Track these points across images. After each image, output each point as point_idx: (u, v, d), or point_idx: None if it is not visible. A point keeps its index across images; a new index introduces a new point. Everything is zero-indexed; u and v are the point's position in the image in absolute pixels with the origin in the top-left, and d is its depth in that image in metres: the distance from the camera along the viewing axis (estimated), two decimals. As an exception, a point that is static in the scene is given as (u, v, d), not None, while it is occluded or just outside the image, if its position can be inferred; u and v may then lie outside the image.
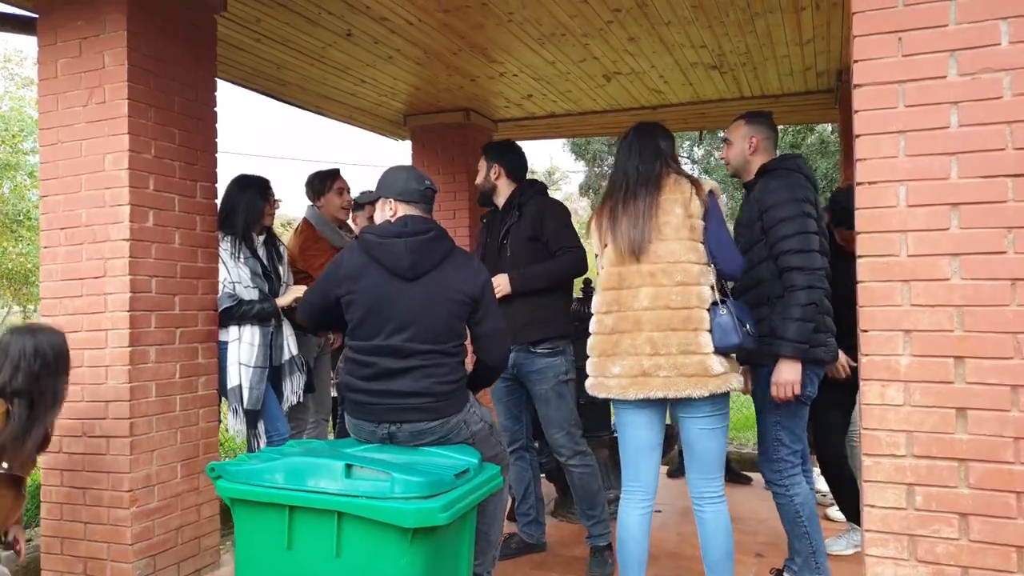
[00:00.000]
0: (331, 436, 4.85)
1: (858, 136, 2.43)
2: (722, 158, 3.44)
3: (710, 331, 2.81)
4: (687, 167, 20.28)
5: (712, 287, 2.86)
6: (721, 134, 18.10)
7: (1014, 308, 2.26)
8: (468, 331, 3.00)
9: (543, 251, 3.74)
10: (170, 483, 3.56)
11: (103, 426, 3.39)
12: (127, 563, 3.36)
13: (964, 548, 2.31)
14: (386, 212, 3.02)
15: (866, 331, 2.42)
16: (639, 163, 3.01)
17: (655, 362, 2.82)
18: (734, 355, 2.94)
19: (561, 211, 3.86)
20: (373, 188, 5.13)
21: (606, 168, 24.43)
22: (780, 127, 15.10)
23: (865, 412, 2.42)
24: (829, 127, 17.06)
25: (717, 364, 2.79)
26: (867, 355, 2.41)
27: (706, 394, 2.79)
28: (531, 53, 4.82)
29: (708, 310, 2.82)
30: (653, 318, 2.84)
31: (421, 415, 2.83)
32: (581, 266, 3.78)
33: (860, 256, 2.43)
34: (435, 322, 2.85)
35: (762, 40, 4.57)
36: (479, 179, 3.97)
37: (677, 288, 2.82)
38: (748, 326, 2.86)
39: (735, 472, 5.39)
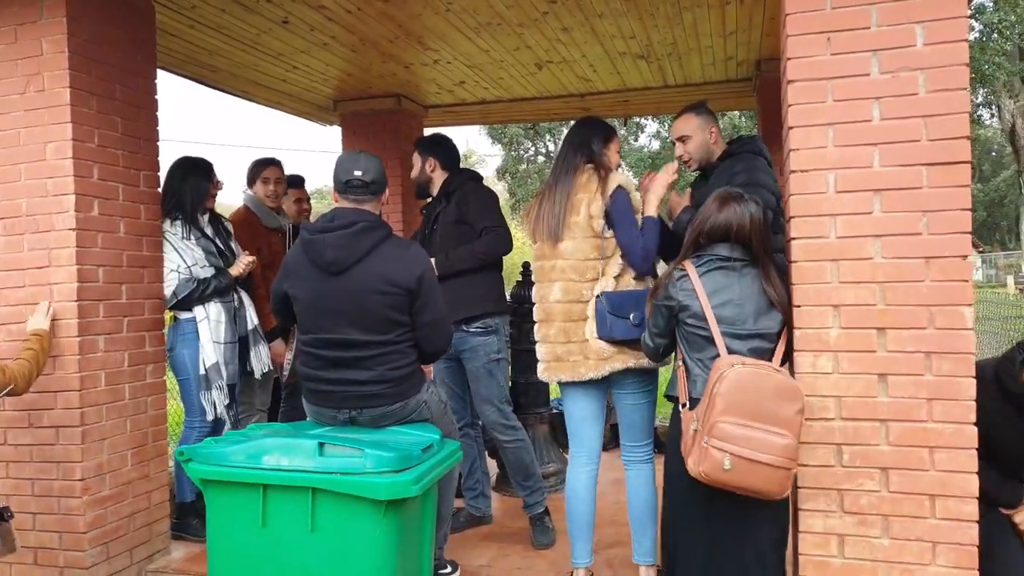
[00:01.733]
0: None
1: (791, 128, 2.65)
2: (679, 156, 3.43)
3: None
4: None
5: (616, 278, 3.11)
6: (639, 118, 18.49)
7: (928, 283, 2.53)
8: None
9: (470, 233, 3.85)
10: (121, 471, 3.54)
11: (51, 416, 3.35)
12: (81, 551, 3.35)
13: (885, 499, 2.58)
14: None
15: (799, 306, 2.65)
16: (564, 157, 3.28)
17: (567, 348, 3.15)
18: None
19: (485, 194, 3.98)
20: (301, 173, 5.25)
21: (522, 152, 24.70)
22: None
23: (797, 380, 2.65)
24: (738, 112, 17.70)
25: (606, 347, 3.08)
26: (800, 328, 2.65)
27: (603, 375, 3.10)
28: (466, 41, 4.92)
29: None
30: (563, 310, 3.15)
31: (380, 400, 2.93)
32: (504, 245, 3.88)
33: (794, 238, 2.66)
34: (369, 316, 2.86)
35: (688, 32, 4.80)
36: (415, 173, 4.07)
37: (587, 284, 3.11)
38: (632, 317, 3.04)
39: (660, 443, 5.66)
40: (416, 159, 4.08)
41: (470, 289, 3.80)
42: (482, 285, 3.86)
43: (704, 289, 2.64)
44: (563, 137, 3.41)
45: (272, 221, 4.71)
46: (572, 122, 3.46)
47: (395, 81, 5.93)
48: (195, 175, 4.01)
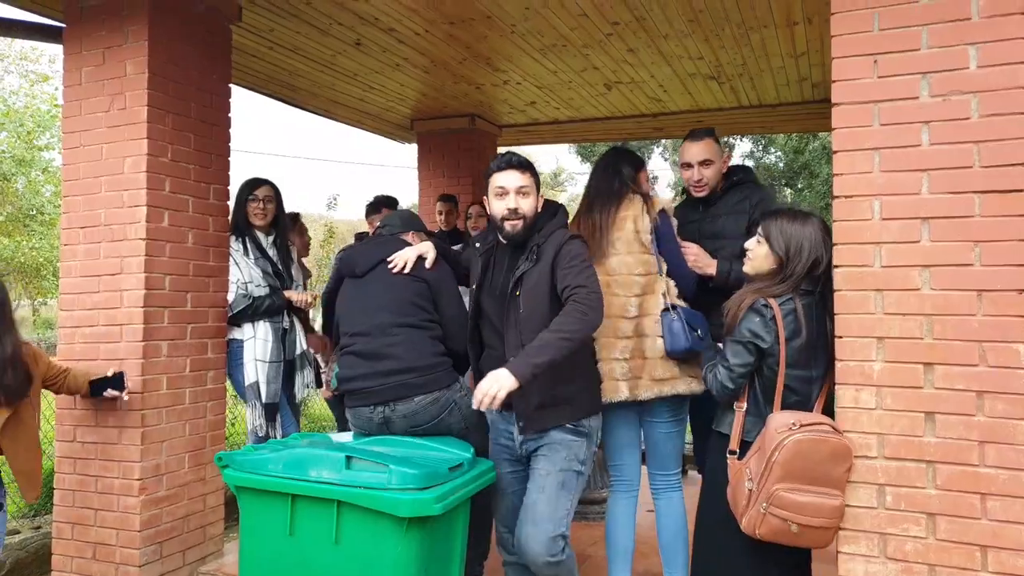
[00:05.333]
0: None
1: (836, 152, 2.56)
2: (697, 180, 3.44)
3: (661, 336, 3.02)
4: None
5: (664, 295, 3.07)
6: (726, 138, 18.16)
7: (980, 318, 2.38)
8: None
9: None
10: (178, 473, 3.71)
11: (116, 416, 3.55)
12: (135, 549, 3.51)
13: (931, 547, 2.42)
14: None
15: (841, 337, 2.54)
16: (599, 182, 3.27)
17: (610, 367, 3.05)
18: (688, 360, 3.07)
19: (578, 246, 2.89)
20: (384, 192, 5.36)
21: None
22: (780, 135, 15.20)
23: (839, 415, 2.54)
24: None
25: (661, 370, 3.01)
26: (842, 360, 2.54)
27: (653, 396, 3.01)
28: (533, 63, 4.97)
29: (660, 317, 3.04)
30: (609, 326, 3.04)
31: (410, 391, 3.01)
32: (595, 314, 2.71)
33: (837, 266, 2.56)
34: (396, 298, 3.10)
35: (757, 52, 4.70)
36: (526, 206, 2.89)
37: (633, 299, 3.06)
38: (699, 331, 3.01)
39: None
40: (527, 181, 2.92)
41: (562, 384, 2.81)
42: (579, 377, 2.88)
43: (784, 332, 2.57)
44: (595, 166, 3.31)
45: None
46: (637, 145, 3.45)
47: (469, 101, 6.03)
48: (239, 193, 4.18)
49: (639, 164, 3.32)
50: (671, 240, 3.14)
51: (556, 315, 2.70)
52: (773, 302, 2.60)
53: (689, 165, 3.45)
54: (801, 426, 2.42)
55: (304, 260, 5.08)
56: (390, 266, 3.14)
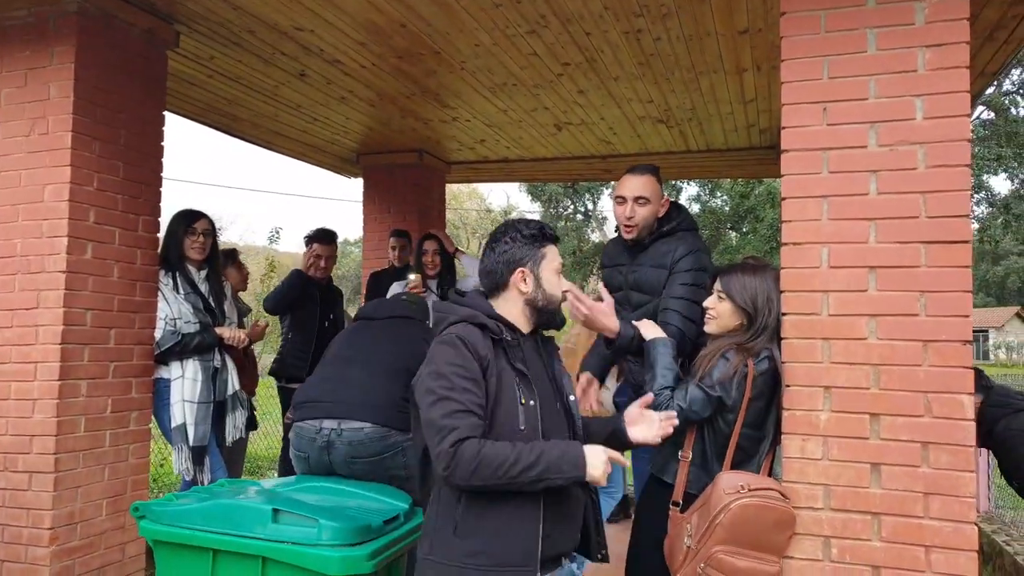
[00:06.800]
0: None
1: (784, 199, 2.54)
2: (628, 217, 3.06)
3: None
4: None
5: None
6: (673, 181, 18.40)
7: (925, 368, 2.36)
8: None
9: None
10: (94, 521, 3.46)
11: (27, 461, 3.30)
12: (44, 604, 3.25)
13: (877, 600, 2.38)
14: None
15: (789, 386, 2.50)
16: None
17: None
18: None
19: None
20: (327, 226, 5.21)
21: (561, 210, 24.77)
22: (727, 179, 15.47)
23: (786, 465, 2.49)
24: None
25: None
26: (789, 409, 2.49)
27: None
28: (483, 100, 4.92)
29: None
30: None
31: (362, 414, 2.94)
32: None
33: (785, 313, 2.52)
34: (390, 356, 3.16)
35: (707, 97, 4.73)
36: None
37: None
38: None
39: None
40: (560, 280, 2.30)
41: None
42: None
43: (751, 391, 2.50)
44: None
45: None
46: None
47: (416, 137, 5.95)
48: (174, 225, 3.99)
49: None
50: None
51: None
52: (750, 361, 2.52)
53: (623, 200, 3.06)
54: (750, 490, 2.35)
55: (241, 295, 4.91)
56: None
